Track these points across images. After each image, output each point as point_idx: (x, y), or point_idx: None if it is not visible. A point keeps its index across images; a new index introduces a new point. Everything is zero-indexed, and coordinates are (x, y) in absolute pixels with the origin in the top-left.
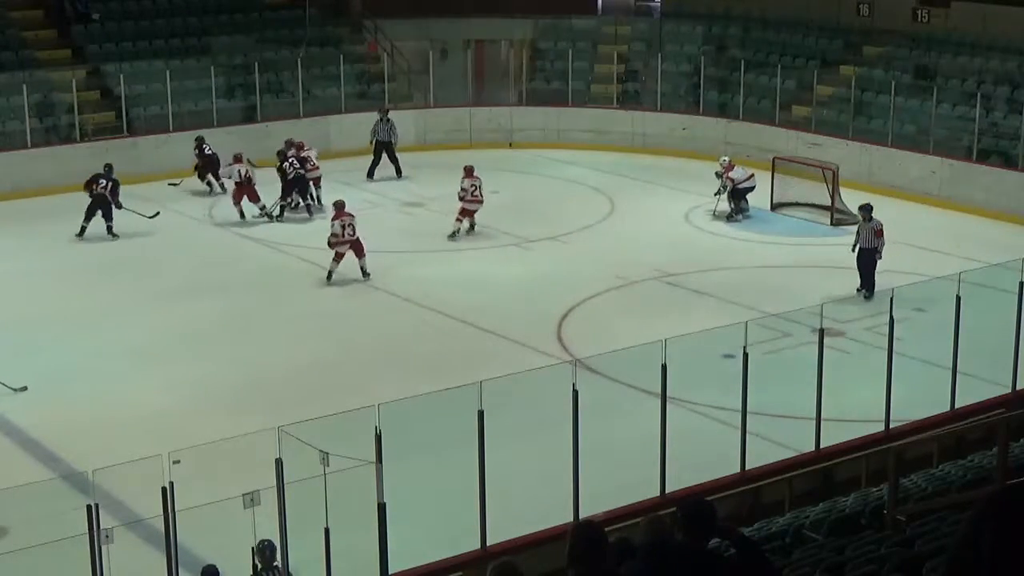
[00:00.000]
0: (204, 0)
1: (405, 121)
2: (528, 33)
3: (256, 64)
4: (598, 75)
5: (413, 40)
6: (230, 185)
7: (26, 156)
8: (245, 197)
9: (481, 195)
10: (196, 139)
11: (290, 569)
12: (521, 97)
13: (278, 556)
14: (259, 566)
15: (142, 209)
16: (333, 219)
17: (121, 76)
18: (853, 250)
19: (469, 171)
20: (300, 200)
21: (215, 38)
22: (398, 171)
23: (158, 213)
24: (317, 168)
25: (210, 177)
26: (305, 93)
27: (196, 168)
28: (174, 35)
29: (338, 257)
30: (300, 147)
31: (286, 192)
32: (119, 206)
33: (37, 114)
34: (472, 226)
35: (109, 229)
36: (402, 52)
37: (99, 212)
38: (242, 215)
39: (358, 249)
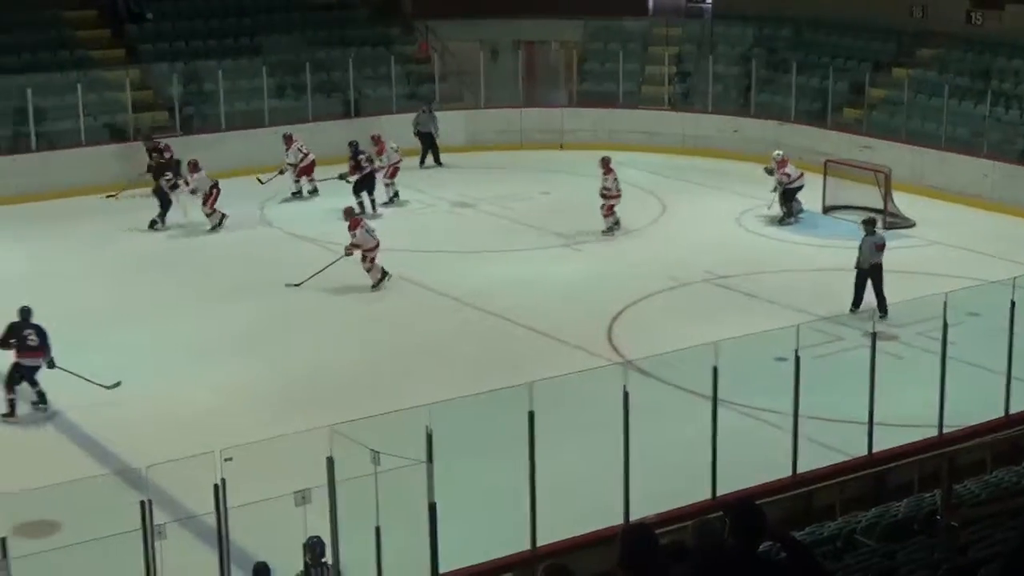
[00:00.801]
0: (256, 0)
1: (455, 121)
2: (579, 34)
3: (307, 64)
4: (648, 76)
5: (464, 41)
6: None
7: (80, 154)
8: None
9: (619, 188)
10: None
11: (340, 567)
12: (571, 98)
13: (328, 553)
14: (308, 563)
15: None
16: (353, 228)
17: (174, 75)
18: (856, 267)
19: (606, 163)
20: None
21: (267, 38)
22: (437, 159)
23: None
24: (389, 166)
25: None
26: (356, 93)
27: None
28: (226, 35)
29: (371, 262)
30: (379, 142)
31: (367, 189)
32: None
33: (91, 113)
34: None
35: (160, 218)
36: (453, 53)
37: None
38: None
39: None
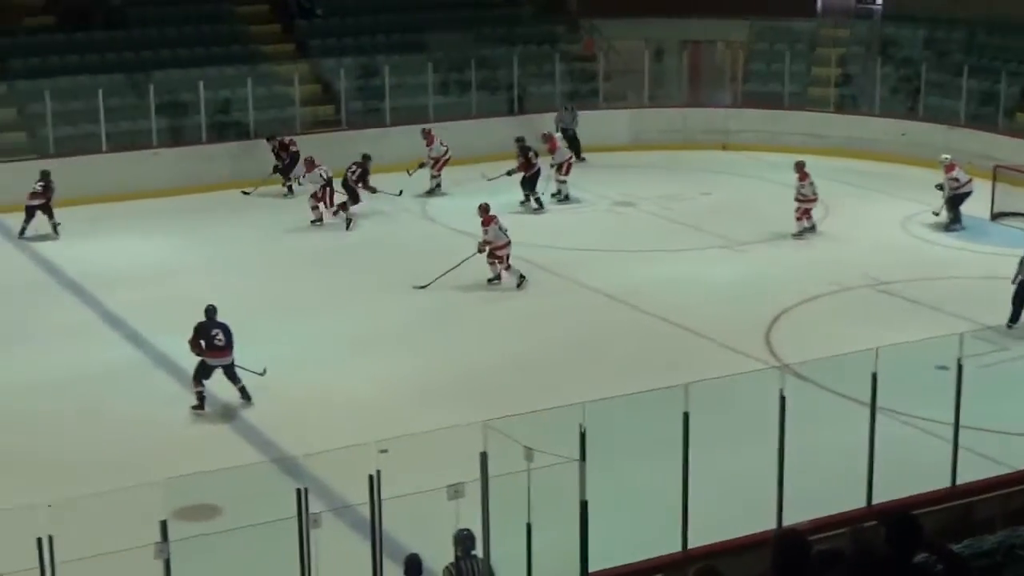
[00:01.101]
0: None
1: (619, 120)
2: (745, 34)
3: (472, 61)
4: (815, 78)
5: (629, 40)
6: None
7: (248, 147)
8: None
9: (815, 192)
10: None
11: (491, 563)
12: (736, 99)
13: (477, 546)
14: (459, 555)
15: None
16: (486, 225)
17: (341, 70)
18: (1014, 282)
19: (801, 167)
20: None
21: (434, 34)
22: (578, 155)
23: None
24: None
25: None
26: (520, 90)
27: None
28: (393, 31)
29: (503, 260)
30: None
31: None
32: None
33: (260, 106)
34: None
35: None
36: (618, 51)
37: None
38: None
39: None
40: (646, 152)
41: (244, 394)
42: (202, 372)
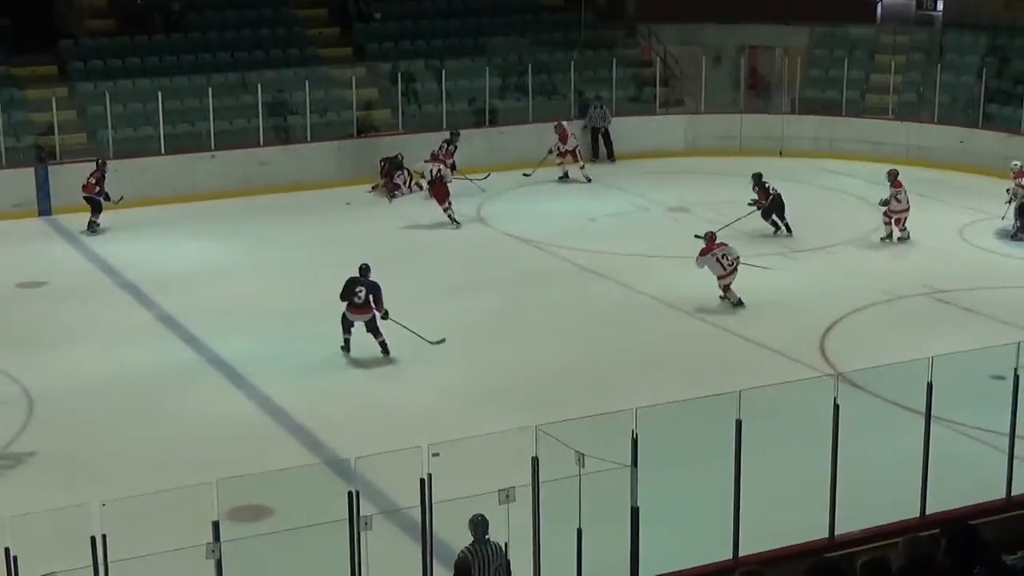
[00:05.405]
0: (482, 1)
1: (675, 125)
2: (804, 40)
3: (530, 65)
4: (874, 85)
5: (686, 45)
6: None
7: (305, 150)
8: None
9: (908, 201)
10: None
11: (541, 567)
12: (793, 105)
13: (527, 549)
14: (475, 538)
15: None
16: (704, 252)
17: (399, 74)
18: None
19: (894, 176)
20: None
21: (491, 39)
22: (611, 155)
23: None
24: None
25: None
26: (577, 95)
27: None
28: (451, 35)
29: (725, 289)
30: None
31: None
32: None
33: (317, 109)
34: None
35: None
36: (675, 57)
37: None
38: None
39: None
40: (702, 158)
41: (384, 348)
42: (345, 322)
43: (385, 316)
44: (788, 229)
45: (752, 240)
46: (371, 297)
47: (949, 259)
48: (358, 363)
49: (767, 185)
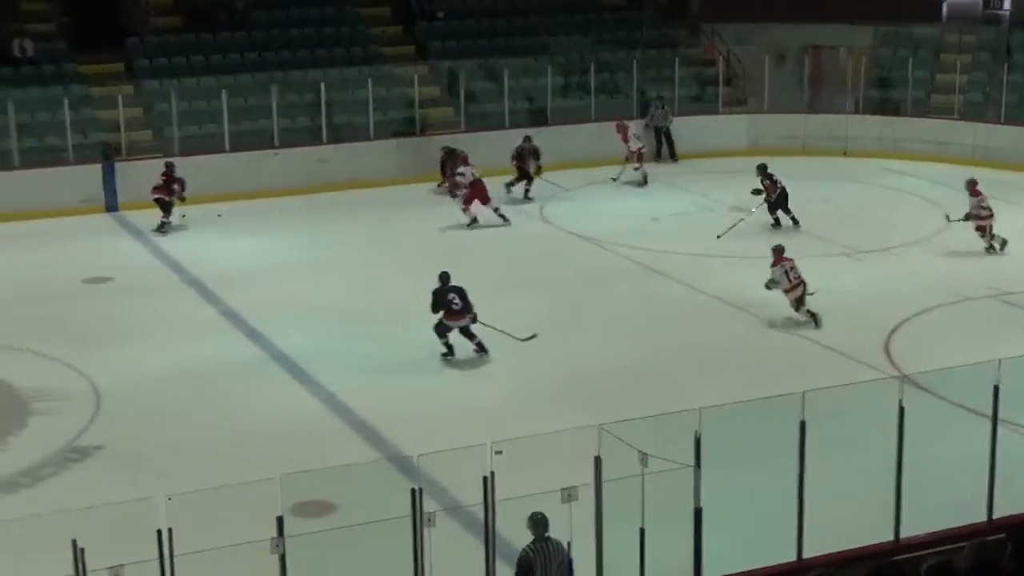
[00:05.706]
0: (544, 0)
1: (738, 125)
2: (868, 40)
3: (592, 64)
4: (939, 84)
5: (749, 45)
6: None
7: (367, 148)
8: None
9: (990, 209)
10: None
11: (603, 566)
12: (857, 105)
13: (590, 548)
14: (535, 537)
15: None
16: (774, 264)
17: (461, 73)
18: None
19: (973, 185)
20: None
21: (553, 37)
22: (673, 154)
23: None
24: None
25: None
26: (639, 95)
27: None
28: (513, 34)
29: (797, 301)
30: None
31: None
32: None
33: (380, 107)
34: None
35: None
36: (738, 56)
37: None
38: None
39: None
40: (765, 157)
41: (481, 348)
42: (441, 329)
43: (474, 320)
44: (795, 222)
45: (810, 239)
46: (465, 301)
47: (1016, 261)
48: (418, 362)
49: (775, 177)
